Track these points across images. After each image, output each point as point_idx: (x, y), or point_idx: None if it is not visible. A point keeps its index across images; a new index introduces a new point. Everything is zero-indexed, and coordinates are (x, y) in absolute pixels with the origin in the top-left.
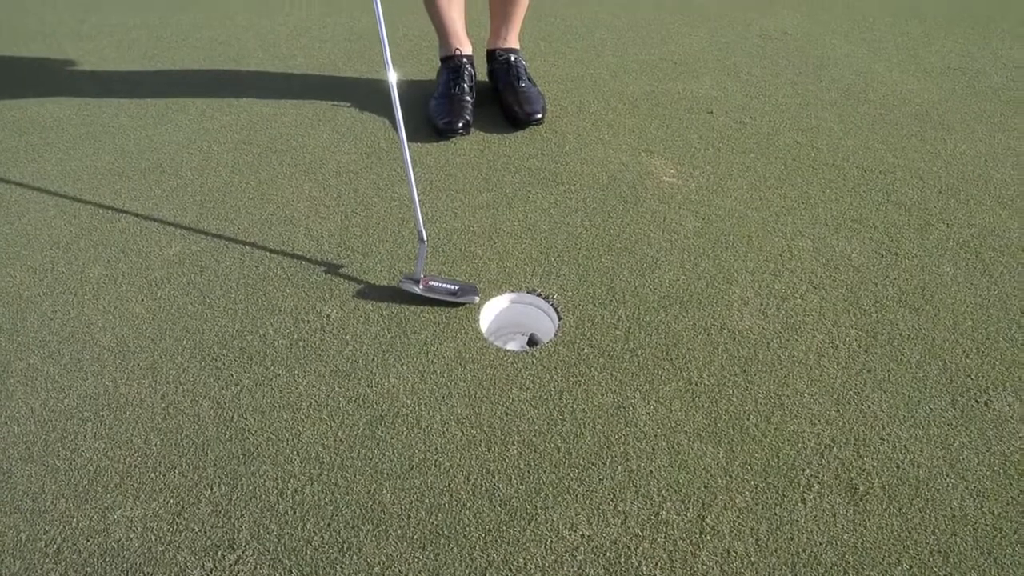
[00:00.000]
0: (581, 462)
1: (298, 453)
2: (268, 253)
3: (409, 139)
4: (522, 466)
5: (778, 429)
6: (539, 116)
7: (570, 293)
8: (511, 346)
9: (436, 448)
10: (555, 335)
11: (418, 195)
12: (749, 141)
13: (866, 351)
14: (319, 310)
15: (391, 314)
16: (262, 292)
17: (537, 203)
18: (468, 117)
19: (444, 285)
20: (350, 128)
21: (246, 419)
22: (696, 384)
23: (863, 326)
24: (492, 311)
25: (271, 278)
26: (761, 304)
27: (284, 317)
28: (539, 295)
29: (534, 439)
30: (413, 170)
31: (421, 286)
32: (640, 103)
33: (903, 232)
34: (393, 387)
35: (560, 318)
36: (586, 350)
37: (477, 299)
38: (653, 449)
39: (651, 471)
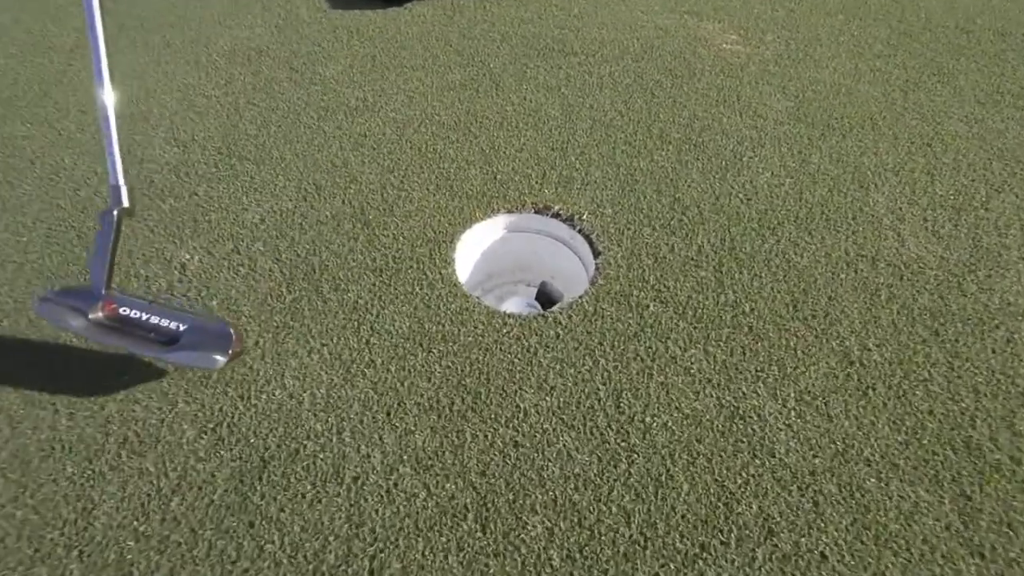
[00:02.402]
0: (686, 547)
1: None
2: (91, 173)
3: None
4: (556, 561)
5: None
6: None
7: (609, 210)
8: (510, 306)
9: (374, 528)
10: (591, 282)
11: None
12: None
13: None
14: (172, 256)
15: (295, 260)
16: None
17: (540, 80)
18: None
19: (153, 319)
20: None
21: None
22: (862, 363)
23: None
24: (476, 247)
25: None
26: (924, 219)
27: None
28: (557, 215)
29: (575, 496)
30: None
31: (98, 314)
32: None
33: None
34: (292, 394)
35: (597, 253)
36: (651, 307)
37: (220, 363)
38: (817, 502)
39: (825, 557)
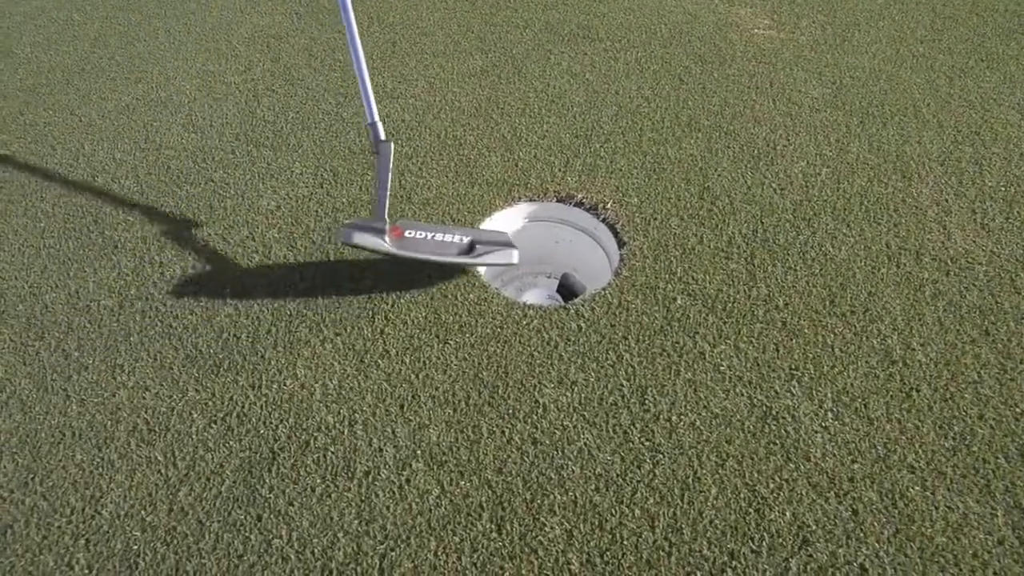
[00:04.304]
0: (714, 555)
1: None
2: (110, 159)
3: None
4: (575, 566)
5: None
6: None
7: (635, 199)
8: (530, 297)
9: (384, 526)
10: (615, 273)
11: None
12: None
13: None
14: (186, 242)
15: (310, 247)
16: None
17: (563, 66)
18: None
19: (438, 236)
20: None
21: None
22: (905, 363)
23: None
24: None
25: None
26: (973, 211)
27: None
28: (580, 204)
29: (596, 497)
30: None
31: (390, 238)
32: None
33: None
34: (303, 384)
35: (622, 243)
36: (679, 300)
37: (517, 257)
38: (856, 511)
39: (864, 570)
